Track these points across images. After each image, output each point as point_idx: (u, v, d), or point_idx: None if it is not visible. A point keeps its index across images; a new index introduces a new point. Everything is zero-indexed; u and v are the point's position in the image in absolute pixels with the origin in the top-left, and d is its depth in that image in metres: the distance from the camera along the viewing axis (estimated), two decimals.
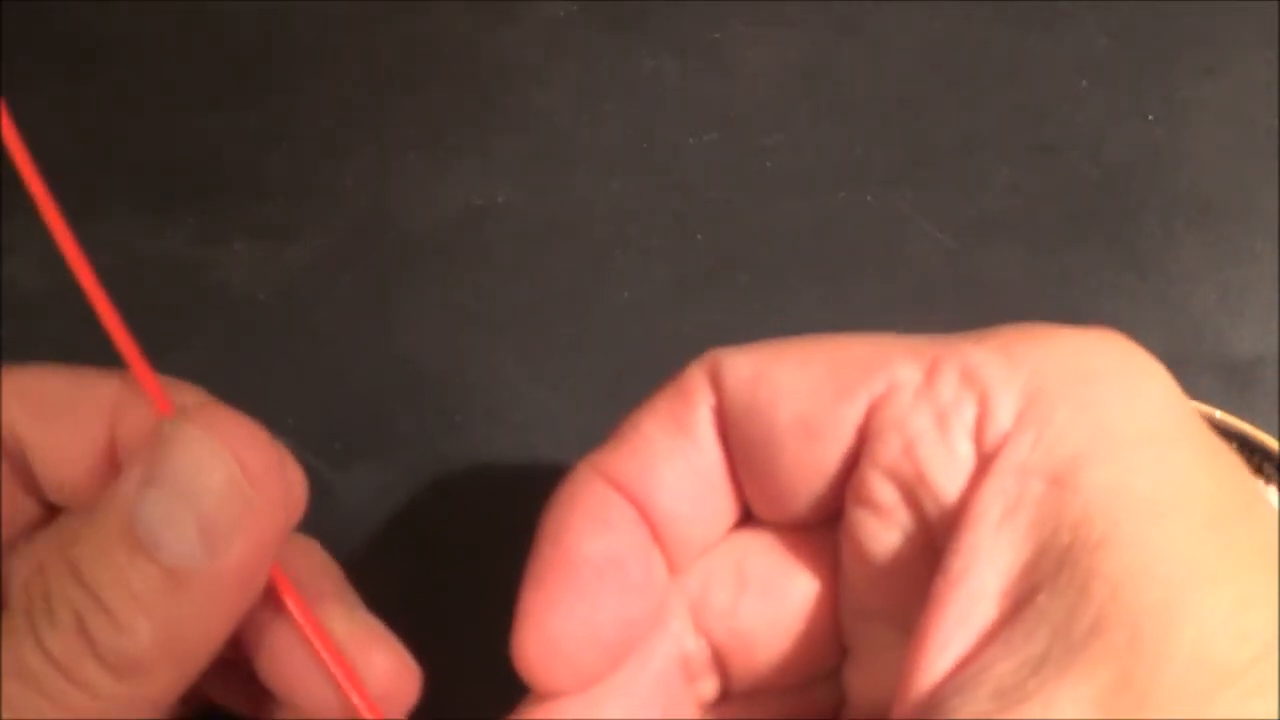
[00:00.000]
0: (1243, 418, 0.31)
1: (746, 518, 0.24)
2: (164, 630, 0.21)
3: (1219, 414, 0.31)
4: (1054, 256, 0.35)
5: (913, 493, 0.21)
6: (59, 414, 0.24)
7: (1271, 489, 0.30)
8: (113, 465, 0.24)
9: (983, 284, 0.35)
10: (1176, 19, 0.38)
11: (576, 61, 0.38)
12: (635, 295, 0.35)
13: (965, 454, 0.20)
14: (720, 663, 0.24)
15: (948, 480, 0.20)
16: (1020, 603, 0.19)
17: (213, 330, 0.35)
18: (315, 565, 0.26)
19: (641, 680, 0.24)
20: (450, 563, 0.33)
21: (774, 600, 0.24)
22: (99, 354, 0.35)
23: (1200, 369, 0.34)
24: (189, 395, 0.25)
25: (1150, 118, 0.37)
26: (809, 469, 0.22)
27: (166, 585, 0.21)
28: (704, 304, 0.35)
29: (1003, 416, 0.20)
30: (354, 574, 0.33)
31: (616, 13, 0.38)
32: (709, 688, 0.24)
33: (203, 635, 0.22)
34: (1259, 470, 0.31)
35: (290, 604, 0.23)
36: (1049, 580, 0.18)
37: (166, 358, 0.35)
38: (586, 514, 0.23)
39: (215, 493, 0.21)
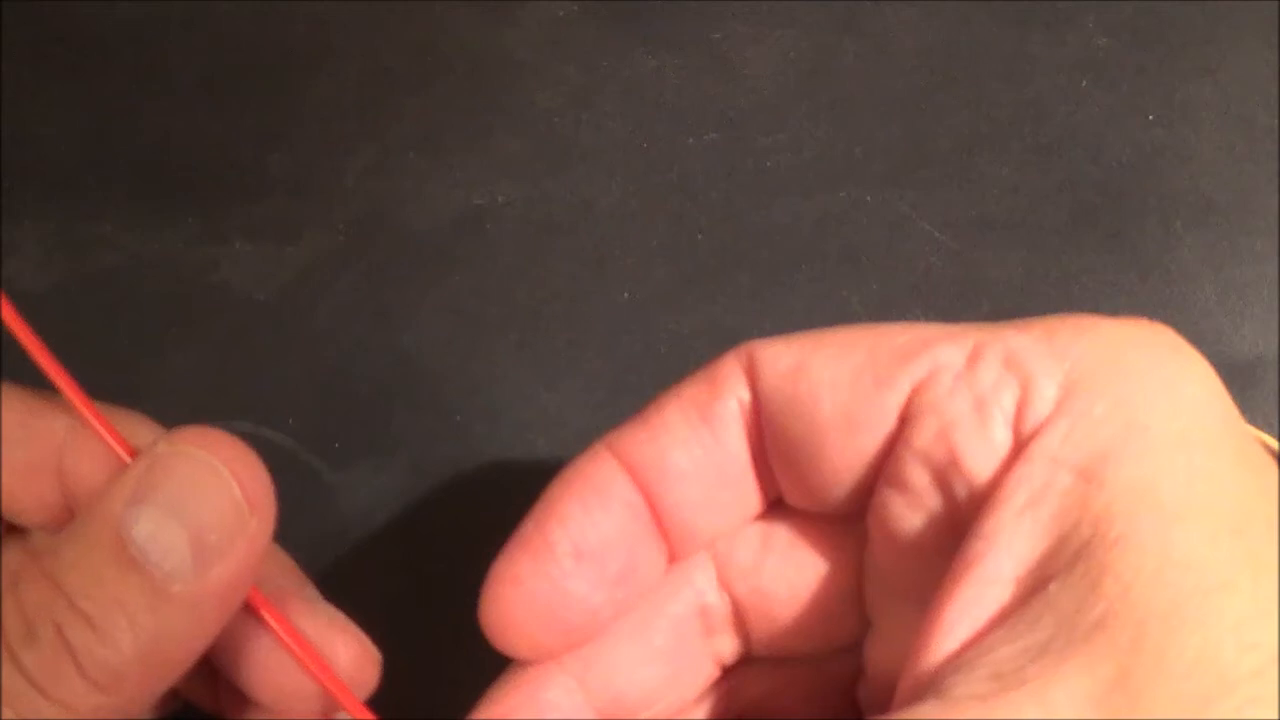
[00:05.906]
0: (1243, 417, 0.31)
1: (771, 510, 0.24)
2: (147, 643, 0.21)
3: None
4: (1054, 256, 0.35)
5: (944, 476, 0.21)
6: (10, 445, 0.24)
7: None
8: (61, 493, 0.24)
9: (983, 284, 0.35)
10: (1176, 19, 0.38)
11: (576, 61, 0.38)
12: (635, 295, 0.35)
13: (1001, 439, 0.20)
14: (740, 622, 0.24)
15: (980, 465, 0.20)
16: (1033, 590, 0.19)
17: (213, 330, 0.35)
18: (274, 559, 0.26)
19: (657, 626, 0.24)
20: (450, 562, 0.33)
21: (797, 564, 0.24)
22: (99, 353, 0.35)
23: None
24: (139, 426, 0.24)
25: (1150, 118, 0.37)
26: (850, 459, 0.22)
27: (153, 599, 0.21)
28: (704, 304, 0.35)
29: (1042, 404, 0.20)
30: (354, 574, 0.33)
31: (616, 13, 0.38)
32: (728, 647, 0.25)
33: (183, 648, 0.22)
34: None
35: (261, 607, 0.23)
36: (1063, 571, 0.18)
37: (167, 358, 0.35)
38: (584, 493, 0.23)
39: (213, 513, 0.21)
